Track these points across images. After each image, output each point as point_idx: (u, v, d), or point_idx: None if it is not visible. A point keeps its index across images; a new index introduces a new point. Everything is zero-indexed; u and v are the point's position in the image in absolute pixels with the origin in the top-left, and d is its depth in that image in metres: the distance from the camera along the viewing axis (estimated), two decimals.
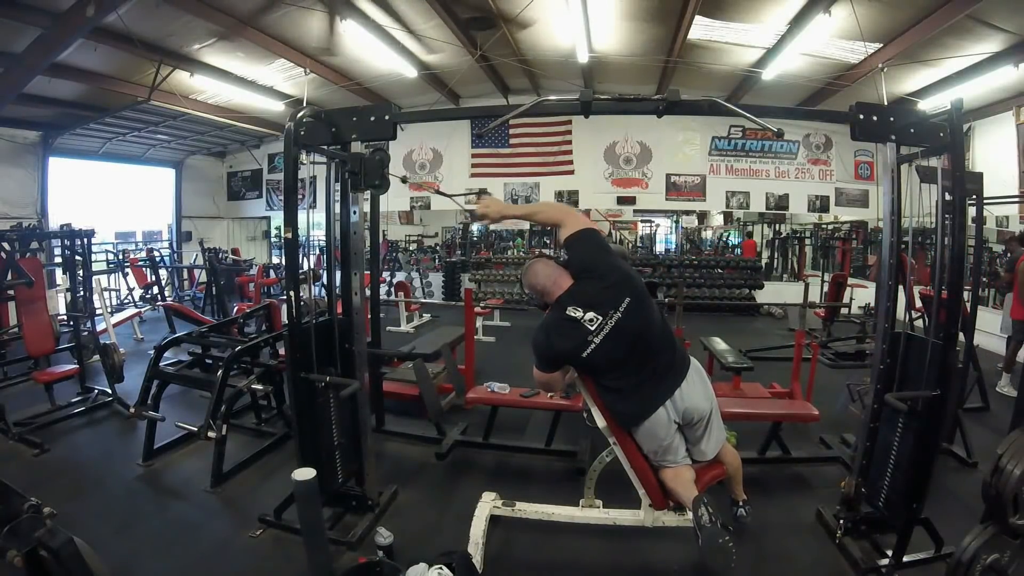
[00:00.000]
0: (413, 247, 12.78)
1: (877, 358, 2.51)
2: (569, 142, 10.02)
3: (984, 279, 6.19)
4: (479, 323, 7.45)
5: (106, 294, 7.20)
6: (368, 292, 3.49)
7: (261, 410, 4.22)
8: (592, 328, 2.01)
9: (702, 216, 13.99)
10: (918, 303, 4.28)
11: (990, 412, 4.43)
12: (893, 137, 2.36)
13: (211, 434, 3.29)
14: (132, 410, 3.76)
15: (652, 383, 2.07)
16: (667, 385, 2.07)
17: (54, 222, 8.07)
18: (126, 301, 9.61)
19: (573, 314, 2.03)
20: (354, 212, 2.76)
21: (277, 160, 11.67)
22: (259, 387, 3.84)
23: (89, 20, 4.97)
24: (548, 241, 13.01)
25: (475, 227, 13.33)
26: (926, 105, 7.25)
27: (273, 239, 13.54)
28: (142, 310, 8.26)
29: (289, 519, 2.69)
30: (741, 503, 2.51)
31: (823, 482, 3.31)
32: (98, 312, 5.62)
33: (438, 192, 3.67)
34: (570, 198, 10.28)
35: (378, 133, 2.55)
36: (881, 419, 2.51)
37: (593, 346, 2.01)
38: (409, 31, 6.59)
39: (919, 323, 3.74)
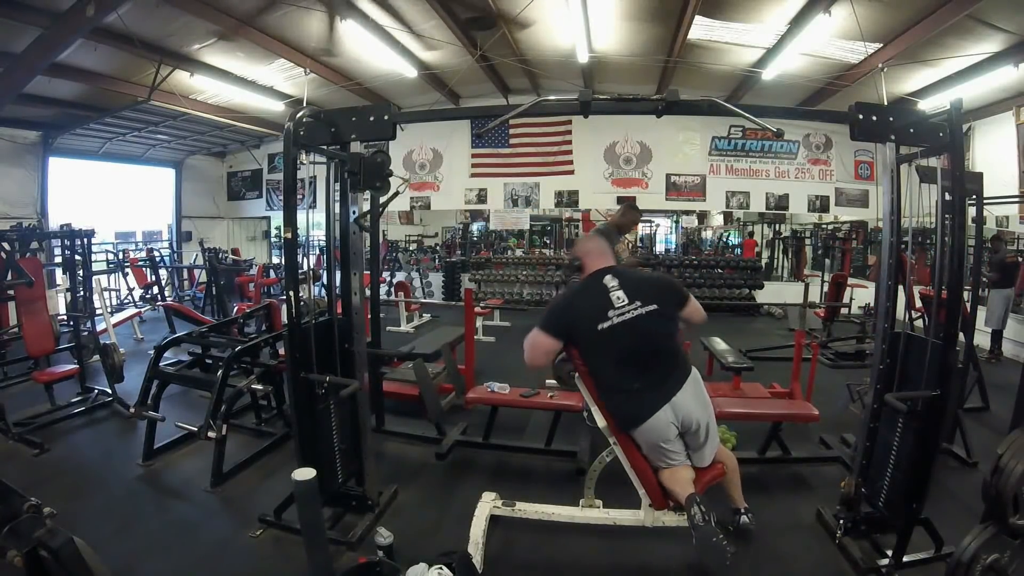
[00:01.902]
0: (413, 247, 12.78)
1: (877, 358, 2.51)
2: (569, 142, 10.02)
3: (984, 279, 6.23)
4: (479, 323, 7.45)
5: (106, 294, 7.20)
6: (368, 292, 3.50)
7: (261, 410, 4.22)
8: (616, 306, 2.07)
9: (702, 216, 13.99)
10: (918, 303, 4.29)
11: (990, 412, 4.43)
12: (893, 137, 2.36)
13: (211, 434, 3.29)
14: (132, 410, 3.76)
15: (652, 389, 2.10)
16: (666, 390, 2.10)
17: (54, 222, 8.07)
18: (126, 301, 9.61)
19: (608, 282, 2.12)
20: (354, 212, 2.76)
21: (277, 160, 11.66)
22: (259, 387, 3.83)
23: (89, 20, 4.96)
24: (548, 241, 13.01)
25: (475, 227, 13.34)
26: (926, 105, 7.24)
27: (273, 239, 13.54)
28: (142, 310, 8.26)
29: (289, 519, 2.68)
30: (743, 510, 2.51)
31: (823, 482, 3.30)
32: (98, 312, 5.62)
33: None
34: (570, 198, 10.29)
35: (378, 133, 2.56)
36: (881, 419, 2.51)
37: (610, 323, 2.05)
38: (409, 31, 6.59)
39: (919, 323, 3.74)
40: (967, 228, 3.16)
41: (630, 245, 12.82)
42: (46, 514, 1.61)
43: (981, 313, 6.03)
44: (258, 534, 2.74)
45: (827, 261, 11.14)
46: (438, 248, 13.08)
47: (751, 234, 12.87)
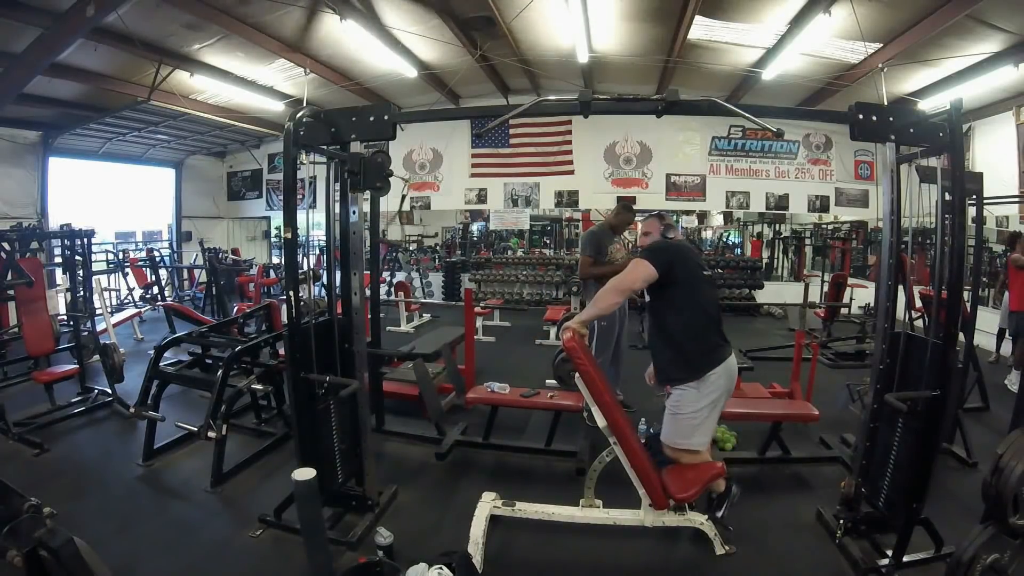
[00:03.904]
0: (413, 247, 12.78)
1: (877, 358, 2.51)
2: (569, 142, 10.01)
3: (984, 279, 6.20)
4: (479, 323, 7.45)
5: (106, 294, 7.19)
6: (368, 292, 3.50)
7: (261, 410, 4.22)
8: (705, 268, 2.55)
9: (702, 216, 13.98)
10: (918, 303, 4.29)
11: (990, 412, 4.43)
12: (893, 137, 2.36)
13: (211, 434, 3.28)
14: (132, 410, 3.76)
15: (724, 341, 2.41)
16: (729, 346, 2.44)
17: (54, 222, 8.07)
18: (126, 301, 9.61)
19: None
20: (354, 212, 2.76)
21: (277, 160, 11.66)
22: (259, 387, 3.83)
23: (89, 20, 4.95)
24: (548, 241, 13.00)
25: (474, 227, 13.33)
26: (926, 105, 7.24)
27: (273, 239, 13.53)
28: (142, 310, 8.25)
29: (289, 519, 2.68)
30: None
31: (823, 482, 3.31)
32: (98, 312, 5.62)
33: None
34: (570, 198, 10.28)
35: (377, 133, 2.55)
36: (881, 419, 2.52)
37: (707, 274, 2.50)
38: (409, 31, 6.59)
39: (919, 323, 3.75)
40: (967, 228, 3.15)
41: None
42: (46, 514, 1.61)
43: (982, 313, 6.00)
44: (258, 534, 2.74)
45: (821, 260, 11.11)
46: (438, 248, 13.07)
47: (758, 235, 12.84)
